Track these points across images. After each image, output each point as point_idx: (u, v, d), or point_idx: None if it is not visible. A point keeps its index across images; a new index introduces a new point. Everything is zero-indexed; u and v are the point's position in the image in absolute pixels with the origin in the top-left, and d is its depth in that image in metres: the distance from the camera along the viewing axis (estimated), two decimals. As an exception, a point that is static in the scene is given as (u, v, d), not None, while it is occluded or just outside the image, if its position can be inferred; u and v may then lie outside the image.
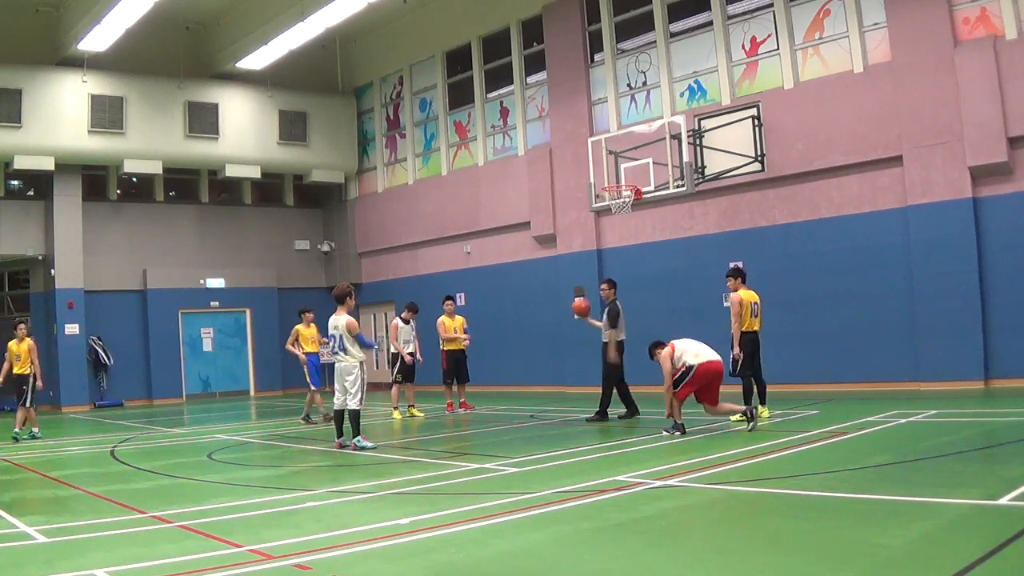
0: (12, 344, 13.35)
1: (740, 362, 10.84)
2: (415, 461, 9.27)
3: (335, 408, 10.62)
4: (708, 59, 16.75)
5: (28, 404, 13.17)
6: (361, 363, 10.34)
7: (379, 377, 19.85)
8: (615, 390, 12.19)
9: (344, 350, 10.31)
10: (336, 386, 10.52)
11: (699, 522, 5.80)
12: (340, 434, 10.50)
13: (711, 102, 16.59)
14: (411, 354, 14.53)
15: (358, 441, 10.22)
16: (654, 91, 17.64)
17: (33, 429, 13.33)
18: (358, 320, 11.83)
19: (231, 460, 10.12)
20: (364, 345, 10.49)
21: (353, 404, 10.24)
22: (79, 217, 21.06)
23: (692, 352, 9.92)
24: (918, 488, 6.19)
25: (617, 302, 12.08)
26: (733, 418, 10.29)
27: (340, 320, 10.36)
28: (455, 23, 21.39)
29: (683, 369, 9.84)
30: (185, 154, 21.56)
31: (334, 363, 10.55)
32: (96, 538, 5.86)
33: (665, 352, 9.98)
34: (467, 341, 14.87)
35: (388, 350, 16.91)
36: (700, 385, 9.88)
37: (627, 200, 15.29)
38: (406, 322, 14.68)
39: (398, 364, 14.45)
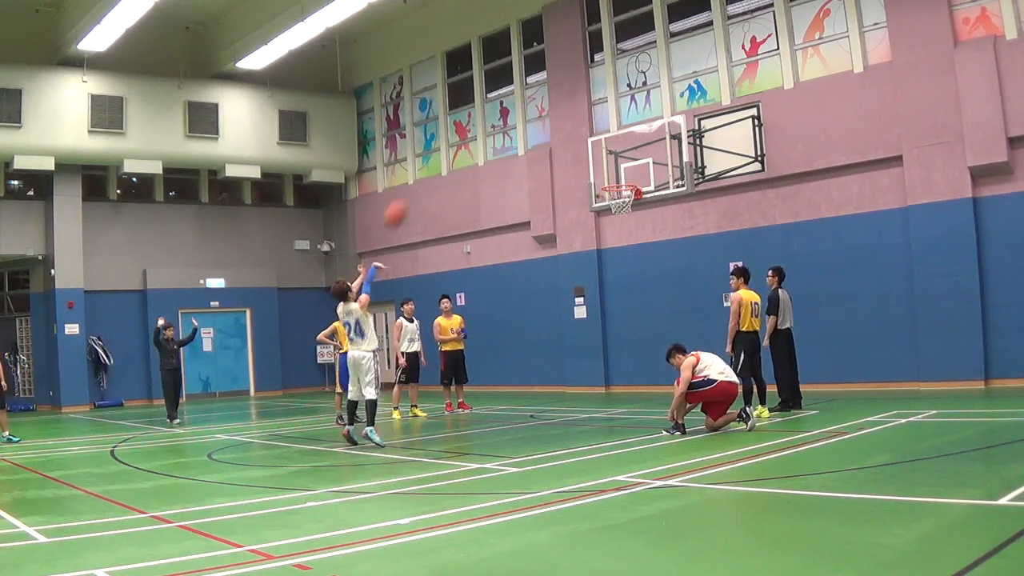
0: None
1: (740, 363, 10.85)
2: (415, 461, 9.26)
3: (349, 399, 10.65)
4: (708, 59, 16.75)
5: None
6: (374, 352, 10.40)
7: (383, 377, 19.81)
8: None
9: (362, 335, 10.32)
10: (350, 376, 10.55)
11: (699, 522, 5.79)
12: (351, 423, 10.50)
13: (711, 102, 16.59)
14: (415, 353, 14.50)
15: (370, 432, 10.22)
16: (654, 91, 17.64)
17: (4, 433, 12.84)
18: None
19: (231, 460, 10.12)
20: (370, 279, 10.50)
21: (370, 393, 10.26)
22: (79, 217, 21.07)
23: (717, 369, 9.98)
24: (918, 488, 6.18)
25: (779, 290, 11.77)
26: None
27: (352, 305, 10.41)
28: (455, 23, 21.39)
29: (704, 379, 9.86)
30: (185, 154, 21.56)
31: (344, 358, 10.58)
32: (96, 538, 5.85)
33: (688, 362, 9.96)
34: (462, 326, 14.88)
35: (390, 350, 16.87)
36: (714, 400, 9.95)
37: (627, 200, 15.29)
38: (410, 320, 14.66)
39: (404, 364, 14.42)
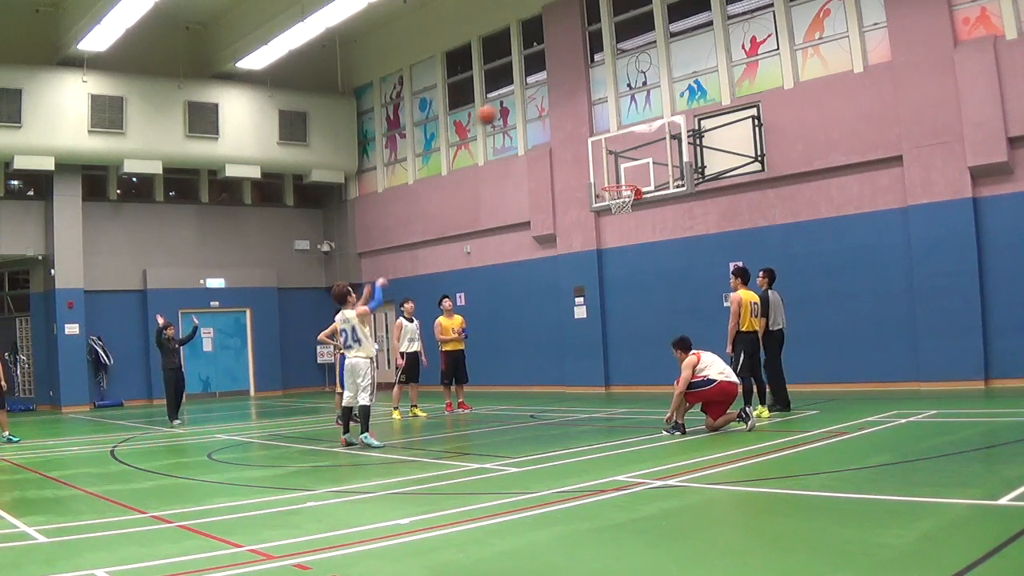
0: None
1: (740, 363, 10.85)
2: (415, 461, 9.26)
3: (344, 405, 10.65)
4: (708, 59, 16.75)
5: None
6: (371, 360, 10.38)
7: (383, 377, 19.90)
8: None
9: (358, 342, 10.34)
10: (346, 383, 10.54)
11: (699, 522, 5.79)
12: (347, 429, 10.51)
13: (711, 102, 16.59)
14: (415, 353, 14.48)
15: (365, 437, 10.22)
16: (654, 91, 17.64)
17: (4, 433, 12.82)
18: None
19: (231, 460, 10.12)
20: (375, 298, 10.51)
21: (363, 400, 10.26)
22: (79, 217, 21.07)
23: (717, 369, 10.01)
24: (918, 488, 6.18)
25: (770, 291, 11.78)
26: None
27: (350, 312, 10.42)
28: (455, 23, 21.40)
29: (703, 379, 9.88)
30: (185, 154, 21.56)
31: (345, 360, 10.58)
32: (96, 538, 5.85)
33: (689, 361, 9.97)
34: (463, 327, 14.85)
35: (390, 350, 16.80)
36: (713, 399, 9.96)
37: (627, 200, 15.30)
38: (410, 320, 14.64)
39: (402, 364, 14.41)
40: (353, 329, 10.37)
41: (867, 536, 4.90)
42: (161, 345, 15.61)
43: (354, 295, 10.71)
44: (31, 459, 10.81)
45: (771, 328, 11.61)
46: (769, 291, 11.77)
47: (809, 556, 4.63)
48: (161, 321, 15.88)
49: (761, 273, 11.94)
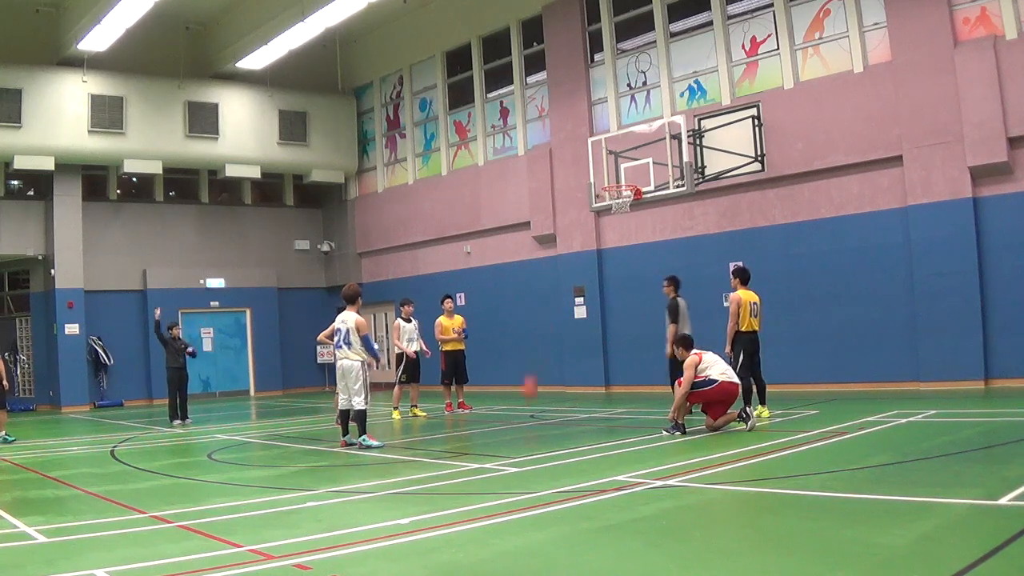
0: None
1: (740, 363, 10.85)
2: (415, 461, 9.26)
3: (340, 408, 10.64)
4: (708, 59, 16.76)
5: None
6: (363, 362, 10.34)
7: (383, 377, 19.90)
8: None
9: (349, 344, 10.32)
10: (339, 386, 10.53)
11: (699, 522, 5.79)
12: (346, 433, 10.51)
13: (711, 102, 16.59)
14: (415, 352, 14.46)
15: (364, 440, 10.22)
16: (654, 91, 17.64)
17: (0, 432, 12.82)
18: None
19: (231, 460, 10.12)
20: (368, 348, 10.44)
21: (358, 404, 10.24)
22: (79, 217, 21.07)
23: (719, 369, 10.02)
24: (918, 488, 6.18)
25: (678, 299, 11.83)
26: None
27: (350, 316, 10.40)
28: (455, 23, 21.40)
29: (705, 380, 9.90)
30: (185, 154, 21.57)
31: (336, 361, 10.56)
32: (96, 538, 5.86)
33: (691, 360, 9.98)
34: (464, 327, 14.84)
35: (390, 350, 16.75)
36: (715, 399, 9.97)
37: (627, 200, 15.30)
38: (407, 320, 14.64)
39: (403, 364, 14.38)
40: (348, 332, 10.34)
41: (867, 536, 4.90)
42: (165, 342, 15.49)
43: (361, 300, 10.71)
44: (31, 459, 10.81)
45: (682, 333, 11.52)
46: (678, 298, 11.76)
47: (809, 556, 4.63)
48: (158, 313, 15.75)
49: (666, 282, 11.89)
